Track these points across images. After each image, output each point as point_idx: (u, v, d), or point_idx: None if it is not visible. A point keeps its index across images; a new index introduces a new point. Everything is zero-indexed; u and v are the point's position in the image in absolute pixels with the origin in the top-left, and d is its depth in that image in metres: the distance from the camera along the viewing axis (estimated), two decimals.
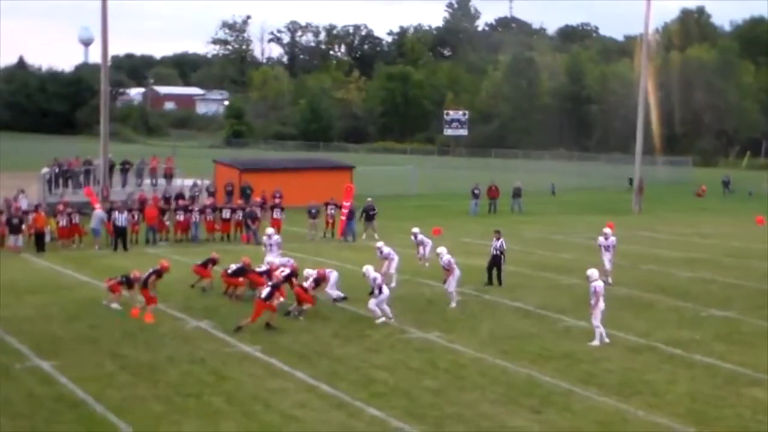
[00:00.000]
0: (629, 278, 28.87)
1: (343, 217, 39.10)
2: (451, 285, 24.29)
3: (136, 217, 36.57)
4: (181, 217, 37.27)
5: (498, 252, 27.78)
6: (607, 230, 28.75)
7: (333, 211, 39.57)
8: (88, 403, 16.01)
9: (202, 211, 37.98)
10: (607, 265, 27.76)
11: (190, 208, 38.19)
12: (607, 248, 28.12)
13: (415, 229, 29.52)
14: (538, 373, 18.22)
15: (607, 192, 67.53)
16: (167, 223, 37.38)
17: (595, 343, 20.50)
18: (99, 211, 36.38)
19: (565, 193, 66.47)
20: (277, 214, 38.64)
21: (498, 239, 27.89)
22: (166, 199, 40.96)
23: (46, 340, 20.15)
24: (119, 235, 35.06)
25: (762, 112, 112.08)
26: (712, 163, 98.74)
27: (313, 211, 39.04)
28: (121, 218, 34.99)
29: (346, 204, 39.31)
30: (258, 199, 40.89)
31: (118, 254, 33.70)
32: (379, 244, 27.74)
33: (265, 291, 21.95)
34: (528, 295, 25.76)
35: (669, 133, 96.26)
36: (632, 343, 20.79)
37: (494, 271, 27.60)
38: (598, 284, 20.83)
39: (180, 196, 41.62)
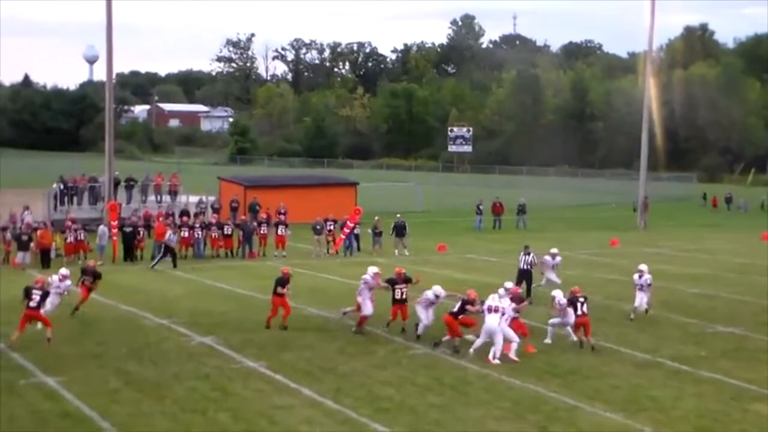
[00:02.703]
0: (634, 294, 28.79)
1: (343, 236, 39.28)
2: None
3: (141, 233, 36.80)
4: (185, 233, 37.34)
5: (528, 267, 28.11)
6: (643, 267, 26.00)
7: (332, 227, 39.71)
8: (93, 420, 15.98)
9: (206, 228, 38.06)
10: (638, 303, 25.51)
11: (192, 224, 38.25)
12: (641, 287, 25.56)
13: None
14: (544, 389, 18.18)
15: (611, 208, 67.50)
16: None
17: (547, 340, 22.05)
18: (104, 227, 36.67)
19: (569, 209, 66.46)
20: (282, 230, 38.69)
21: (528, 254, 28.30)
22: (170, 216, 40.99)
23: (51, 357, 20.12)
24: (128, 248, 36.17)
25: (767, 129, 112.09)
26: (717, 180, 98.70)
27: (318, 227, 39.13)
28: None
29: (350, 224, 39.43)
30: (264, 216, 40.96)
31: (123, 270, 33.72)
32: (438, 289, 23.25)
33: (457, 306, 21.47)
34: (533, 312, 25.69)
35: (673, 149, 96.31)
36: (638, 359, 20.75)
37: (523, 286, 27.74)
38: (561, 299, 21.90)
39: (185, 213, 41.70)
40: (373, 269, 23.79)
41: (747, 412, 17.01)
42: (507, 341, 20.49)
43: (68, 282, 23.74)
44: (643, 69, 64.66)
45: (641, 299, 25.52)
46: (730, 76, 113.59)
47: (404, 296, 23.04)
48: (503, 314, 20.57)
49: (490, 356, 20.19)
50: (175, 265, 34.40)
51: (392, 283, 23.18)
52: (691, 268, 36.75)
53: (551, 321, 22.39)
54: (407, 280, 23.29)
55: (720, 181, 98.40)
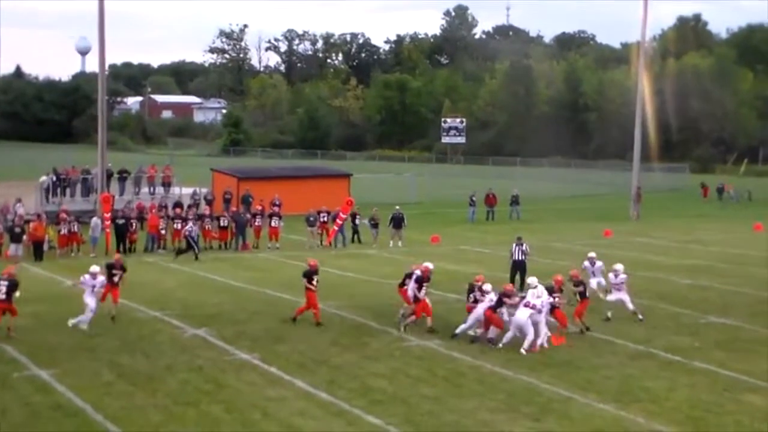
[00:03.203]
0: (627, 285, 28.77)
1: (336, 227, 39.27)
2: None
3: (134, 225, 36.72)
4: (178, 225, 37.28)
5: (523, 257, 28.06)
6: (618, 266, 24.85)
7: (325, 218, 39.72)
8: (86, 412, 15.96)
9: (199, 219, 37.98)
10: (613, 299, 24.48)
11: (185, 216, 38.16)
12: (617, 287, 24.41)
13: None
14: (537, 380, 18.20)
15: (605, 199, 67.55)
16: (163, 232, 37.37)
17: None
18: (97, 219, 36.60)
19: (562, 200, 66.49)
20: (275, 222, 38.65)
21: (521, 245, 28.21)
22: (163, 208, 40.94)
23: (44, 349, 20.10)
24: (121, 240, 36.06)
25: (759, 120, 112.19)
26: (710, 170, 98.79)
27: (312, 219, 39.13)
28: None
29: (342, 216, 39.43)
30: (258, 207, 40.91)
31: None
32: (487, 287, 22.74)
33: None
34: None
35: (666, 140, 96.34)
36: (631, 350, 20.78)
37: (517, 277, 27.73)
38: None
39: (178, 204, 41.63)
40: (427, 265, 23.46)
41: (740, 403, 17.04)
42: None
43: (101, 278, 22.80)
44: (636, 60, 64.65)
45: (617, 298, 24.35)
46: (723, 66, 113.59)
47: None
48: (540, 310, 20.71)
49: (524, 347, 20.26)
50: (196, 257, 34.44)
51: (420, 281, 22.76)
52: (684, 258, 36.80)
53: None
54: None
55: (713, 171, 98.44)
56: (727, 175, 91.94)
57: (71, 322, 22.07)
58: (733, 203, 66.99)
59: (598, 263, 26.71)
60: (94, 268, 22.90)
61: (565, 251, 38.01)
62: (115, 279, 23.66)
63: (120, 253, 35.65)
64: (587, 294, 23.02)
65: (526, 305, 20.64)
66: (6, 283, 21.20)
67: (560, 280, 22.50)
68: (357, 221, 40.48)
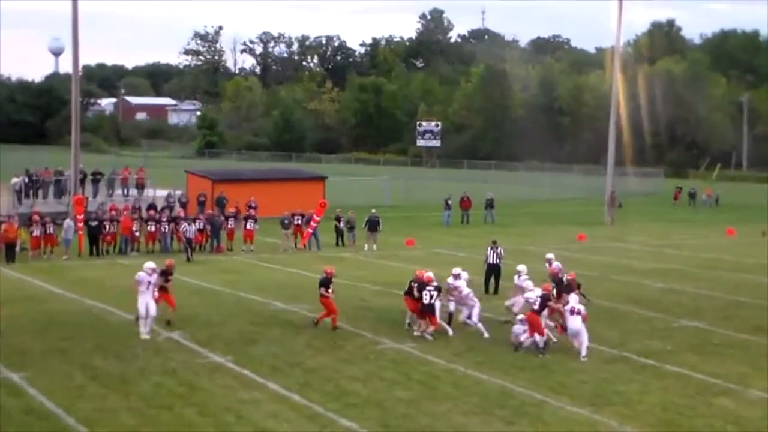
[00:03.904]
0: (601, 289, 28.90)
1: (310, 230, 39.23)
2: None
3: (107, 227, 36.47)
4: (151, 228, 37.09)
5: (498, 261, 28.10)
6: (521, 267, 24.46)
7: (299, 221, 39.66)
8: (58, 416, 15.85)
9: (173, 222, 37.81)
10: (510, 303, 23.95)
11: (159, 218, 37.99)
12: (519, 288, 23.59)
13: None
14: (512, 383, 18.23)
15: (579, 203, 67.83)
16: (137, 234, 37.17)
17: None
18: (70, 221, 36.37)
19: (537, 204, 66.70)
20: (250, 225, 38.53)
21: (496, 248, 28.28)
22: (136, 210, 40.73)
23: (16, 352, 19.93)
24: (93, 242, 35.89)
25: (732, 125, 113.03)
26: (683, 175, 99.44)
27: (286, 221, 39.06)
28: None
29: (317, 218, 39.39)
30: (232, 210, 40.77)
31: (89, 265, 33.48)
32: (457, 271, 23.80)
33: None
34: (501, 306, 25.74)
35: (640, 144, 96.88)
36: (605, 354, 20.85)
37: (492, 281, 27.77)
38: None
39: (152, 206, 41.42)
40: (457, 270, 23.40)
41: (712, 406, 17.15)
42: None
43: (156, 276, 22.14)
44: (610, 64, 64.96)
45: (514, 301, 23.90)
46: (697, 71, 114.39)
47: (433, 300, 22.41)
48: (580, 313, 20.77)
49: (582, 354, 20.28)
50: (188, 259, 34.40)
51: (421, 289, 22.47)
52: (658, 263, 36.98)
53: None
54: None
55: (686, 176, 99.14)
56: (700, 180, 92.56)
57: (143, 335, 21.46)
58: (706, 208, 67.49)
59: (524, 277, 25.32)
60: (151, 264, 22.27)
61: (539, 255, 38.06)
62: (169, 284, 23.33)
63: (93, 255, 35.60)
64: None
65: (576, 312, 20.61)
66: None
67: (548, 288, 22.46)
68: (342, 224, 40.55)
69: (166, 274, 23.09)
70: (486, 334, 22.20)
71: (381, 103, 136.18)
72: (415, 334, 22.12)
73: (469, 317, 22.56)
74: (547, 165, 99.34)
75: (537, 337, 20.69)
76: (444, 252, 38.90)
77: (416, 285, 22.40)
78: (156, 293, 22.12)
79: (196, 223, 37.95)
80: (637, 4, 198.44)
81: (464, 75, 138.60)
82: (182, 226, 36.12)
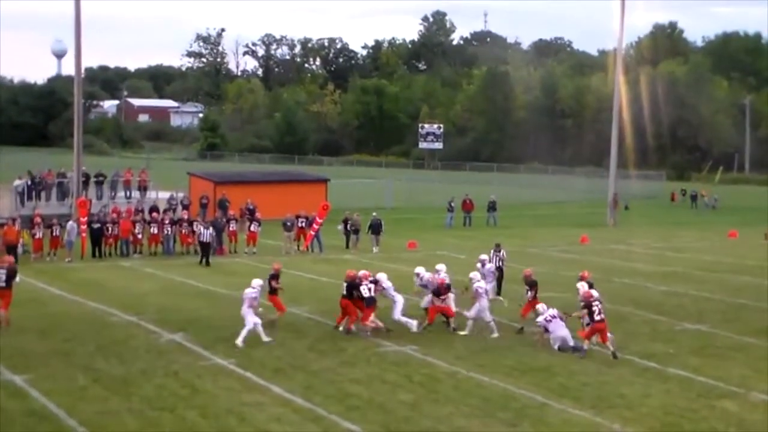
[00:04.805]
0: (603, 291, 28.81)
1: (313, 232, 39.25)
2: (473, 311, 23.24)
3: (110, 229, 36.52)
4: (154, 230, 37.12)
5: (500, 264, 28.08)
6: (483, 257, 26.11)
7: (303, 224, 39.68)
8: (60, 418, 15.86)
9: (176, 224, 37.84)
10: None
11: (162, 220, 38.00)
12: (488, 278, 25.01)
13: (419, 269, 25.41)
14: (513, 386, 18.23)
15: (582, 205, 67.81)
16: (139, 236, 37.18)
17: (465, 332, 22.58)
18: (73, 223, 36.39)
19: (540, 206, 66.68)
20: (253, 226, 38.54)
21: (499, 251, 28.29)
22: (139, 212, 40.75)
23: (19, 354, 19.94)
24: (96, 244, 35.88)
25: (734, 127, 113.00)
26: (685, 177, 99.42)
27: (289, 224, 39.06)
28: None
29: (319, 220, 39.42)
30: (233, 212, 40.77)
31: (92, 267, 33.50)
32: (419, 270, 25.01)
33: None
34: (503, 308, 25.75)
35: (643, 147, 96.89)
36: (607, 356, 20.82)
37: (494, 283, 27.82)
38: (480, 285, 22.96)
39: (154, 209, 41.42)
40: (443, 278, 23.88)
41: (714, 409, 17.13)
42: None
43: (258, 291, 22.00)
44: (612, 67, 64.96)
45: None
46: (699, 74, 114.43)
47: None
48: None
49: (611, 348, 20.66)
50: (201, 262, 34.60)
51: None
52: (660, 265, 36.96)
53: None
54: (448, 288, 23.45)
55: (688, 179, 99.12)
56: (702, 182, 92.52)
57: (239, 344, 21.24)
58: (708, 210, 67.48)
59: (489, 265, 26.61)
60: (258, 282, 22.27)
61: (542, 257, 38.12)
62: (279, 288, 23.56)
63: (95, 257, 35.59)
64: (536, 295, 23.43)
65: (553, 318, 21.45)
66: (4, 270, 21.51)
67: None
68: (349, 227, 40.58)
69: (275, 277, 23.39)
70: (414, 329, 22.61)
71: (383, 106, 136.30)
72: (414, 330, 22.60)
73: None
74: (549, 167, 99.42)
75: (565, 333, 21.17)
76: (446, 254, 38.86)
77: (347, 284, 22.86)
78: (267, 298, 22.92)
79: (195, 225, 37.89)
80: (640, 6, 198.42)
81: (466, 77, 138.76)
82: (198, 229, 36.02)
